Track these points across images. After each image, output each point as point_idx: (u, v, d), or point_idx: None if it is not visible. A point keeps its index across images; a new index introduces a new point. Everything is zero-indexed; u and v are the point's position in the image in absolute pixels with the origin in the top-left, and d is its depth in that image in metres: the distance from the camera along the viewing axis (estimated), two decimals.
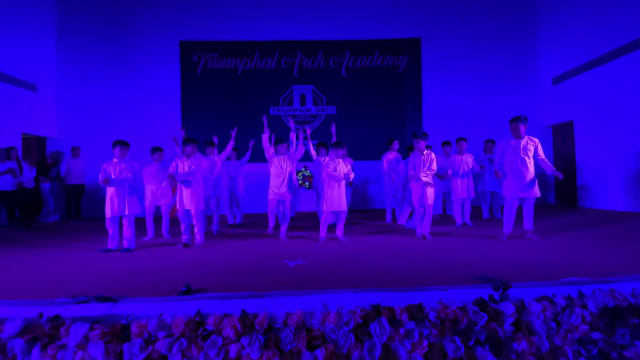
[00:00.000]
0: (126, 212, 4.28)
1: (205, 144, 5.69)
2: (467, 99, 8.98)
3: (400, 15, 9.10)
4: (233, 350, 1.76)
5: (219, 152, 5.58)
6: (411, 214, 5.55)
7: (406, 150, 5.97)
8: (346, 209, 4.87)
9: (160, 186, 5.24)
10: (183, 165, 4.56)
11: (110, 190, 4.28)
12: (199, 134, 5.97)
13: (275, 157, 4.97)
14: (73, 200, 8.01)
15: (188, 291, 2.34)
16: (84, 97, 8.65)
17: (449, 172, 5.81)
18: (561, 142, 8.81)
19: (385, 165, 6.38)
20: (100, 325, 1.81)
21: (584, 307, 2.01)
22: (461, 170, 5.96)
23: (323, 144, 6.08)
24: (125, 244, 4.31)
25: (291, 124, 5.38)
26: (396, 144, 6.43)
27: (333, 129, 5.81)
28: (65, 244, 4.83)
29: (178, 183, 4.55)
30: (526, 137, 4.45)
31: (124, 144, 4.38)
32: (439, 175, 5.62)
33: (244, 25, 8.99)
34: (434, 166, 4.72)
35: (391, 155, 6.36)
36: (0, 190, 6.59)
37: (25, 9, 7.86)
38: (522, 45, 9.16)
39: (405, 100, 9.19)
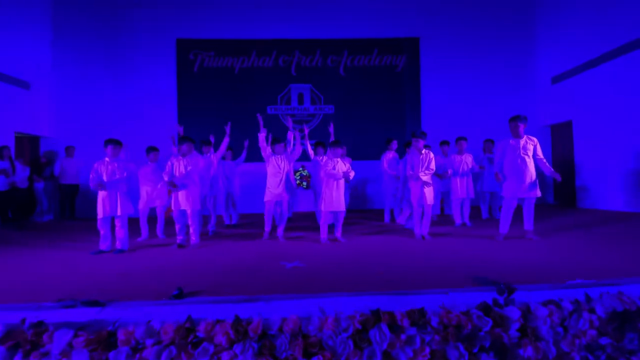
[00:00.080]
0: (118, 213, 4.17)
1: (202, 143, 5.61)
2: (466, 98, 8.93)
3: (399, 14, 9.04)
4: (225, 358, 1.67)
5: (215, 150, 5.49)
6: (411, 214, 5.48)
7: (403, 147, 5.90)
8: (345, 209, 4.79)
9: (155, 187, 5.13)
10: (179, 165, 4.45)
11: (102, 191, 4.17)
12: (195, 133, 5.86)
13: (273, 157, 4.87)
14: (67, 200, 7.90)
15: (180, 295, 2.25)
16: (78, 96, 8.53)
17: (449, 171, 5.75)
18: (560, 142, 8.77)
19: (385, 164, 6.30)
20: (85, 332, 1.72)
21: (592, 311, 1.94)
22: (460, 170, 5.91)
23: (321, 143, 5.99)
24: (118, 245, 4.21)
25: (289, 123, 5.30)
26: (395, 144, 6.38)
27: (331, 128, 5.74)
28: (59, 244, 4.74)
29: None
30: (525, 136, 4.40)
31: (116, 142, 4.25)
32: (439, 175, 5.56)
33: (241, 24, 8.90)
34: (433, 165, 4.66)
35: (390, 155, 6.31)
36: None
37: (21, 8, 7.74)
38: (521, 44, 9.11)
39: (404, 99, 9.12)
